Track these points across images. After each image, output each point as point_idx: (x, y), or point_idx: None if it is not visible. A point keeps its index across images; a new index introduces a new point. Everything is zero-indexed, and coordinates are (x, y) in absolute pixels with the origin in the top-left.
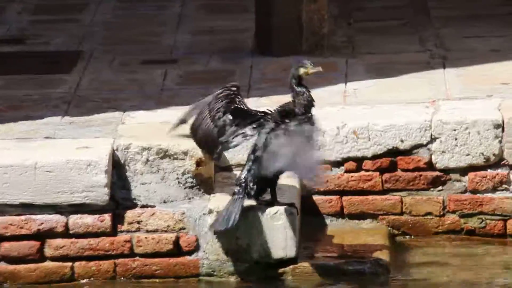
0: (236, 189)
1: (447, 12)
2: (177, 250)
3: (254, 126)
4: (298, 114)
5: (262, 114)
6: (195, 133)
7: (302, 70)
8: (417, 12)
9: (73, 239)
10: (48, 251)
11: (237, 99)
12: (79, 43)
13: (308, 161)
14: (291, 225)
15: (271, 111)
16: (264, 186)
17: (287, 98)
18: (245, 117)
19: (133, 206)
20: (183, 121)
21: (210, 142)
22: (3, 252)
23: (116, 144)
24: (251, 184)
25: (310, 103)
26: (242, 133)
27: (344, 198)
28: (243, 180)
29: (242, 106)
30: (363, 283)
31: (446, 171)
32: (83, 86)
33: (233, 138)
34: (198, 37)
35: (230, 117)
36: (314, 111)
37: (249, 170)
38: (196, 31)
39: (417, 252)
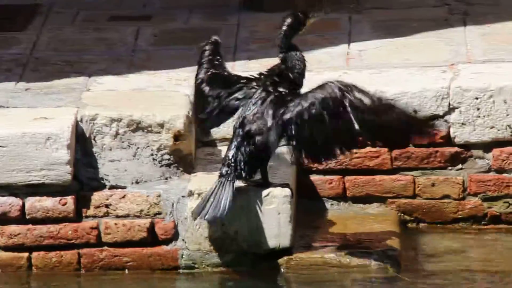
0: (224, 170)
1: None
2: (151, 238)
3: (239, 97)
4: (292, 79)
5: (245, 81)
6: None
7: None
8: None
9: (30, 226)
10: (1, 240)
11: (216, 61)
12: None
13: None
14: (285, 209)
15: (255, 77)
16: (255, 165)
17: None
18: (226, 86)
19: (101, 187)
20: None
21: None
22: None
23: (81, 114)
24: (241, 164)
25: (304, 66)
26: (225, 106)
27: (346, 178)
28: (232, 160)
29: (220, 71)
30: (369, 278)
31: (467, 146)
32: (41, 47)
33: (216, 114)
34: None
35: (207, 88)
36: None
37: (238, 148)
38: None
39: (432, 241)
